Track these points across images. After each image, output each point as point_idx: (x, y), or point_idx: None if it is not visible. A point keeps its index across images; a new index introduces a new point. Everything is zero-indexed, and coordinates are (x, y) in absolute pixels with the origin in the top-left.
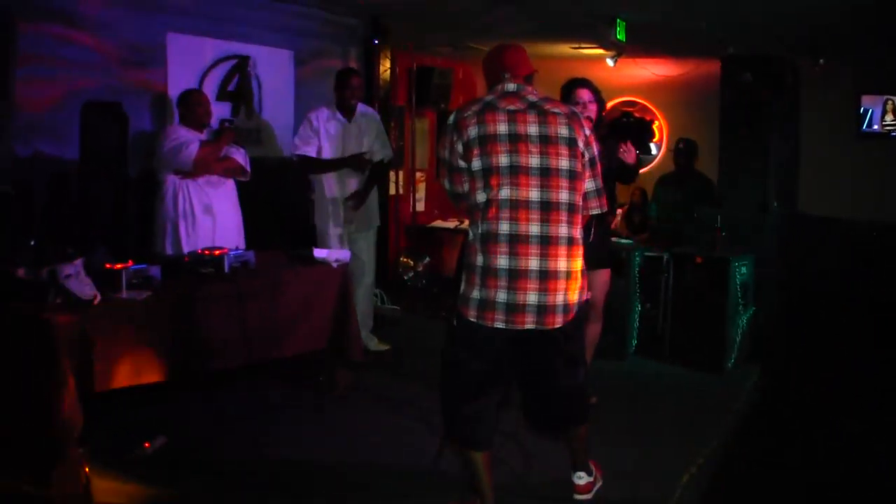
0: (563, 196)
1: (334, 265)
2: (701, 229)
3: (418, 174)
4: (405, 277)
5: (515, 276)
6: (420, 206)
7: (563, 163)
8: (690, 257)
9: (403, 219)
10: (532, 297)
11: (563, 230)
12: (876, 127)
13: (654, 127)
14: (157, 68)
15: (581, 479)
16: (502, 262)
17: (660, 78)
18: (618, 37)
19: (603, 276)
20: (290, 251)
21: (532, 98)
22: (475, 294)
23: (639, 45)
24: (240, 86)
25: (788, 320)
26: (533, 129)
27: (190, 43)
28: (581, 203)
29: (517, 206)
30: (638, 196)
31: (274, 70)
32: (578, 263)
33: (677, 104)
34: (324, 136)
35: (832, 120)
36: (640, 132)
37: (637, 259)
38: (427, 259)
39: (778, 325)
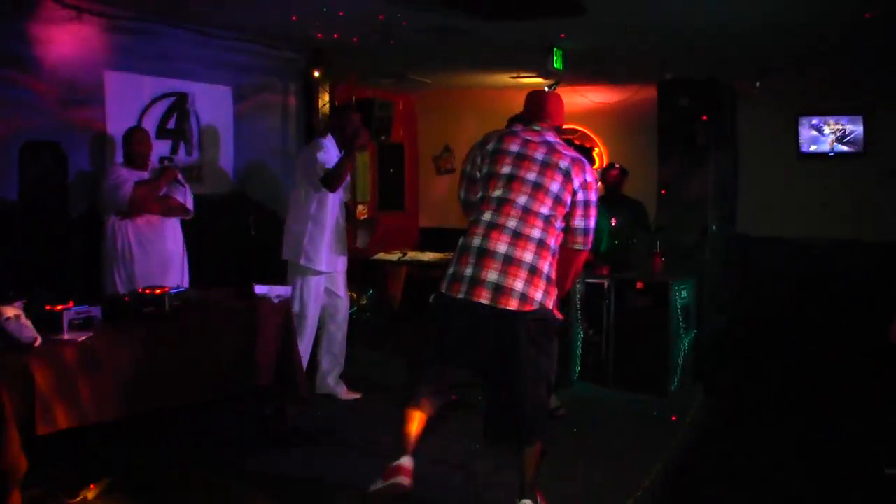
0: (544, 209)
1: (275, 301)
2: (642, 254)
3: (360, 207)
4: (350, 311)
5: (482, 255)
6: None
7: (554, 185)
8: (631, 283)
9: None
10: (492, 275)
11: (535, 232)
12: (815, 147)
13: (595, 153)
14: (95, 107)
15: None
16: (476, 241)
17: (598, 105)
18: (555, 65)
19: None
20: (231, 287)
21: (549, 138)
22: (450, 270)
23: (577, 73)
24: (179, 123)
25: (731, 341)
26: (539, 155)
27: (128, 81)
28: (559, 225)
29: (503, 204)
30: None
31: (213, 106)
32: (546, 266)
33: (616, 130)
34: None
35: (771, 141)
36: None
37: (578, 286)
38: (371, 292)
39: (720, 347)
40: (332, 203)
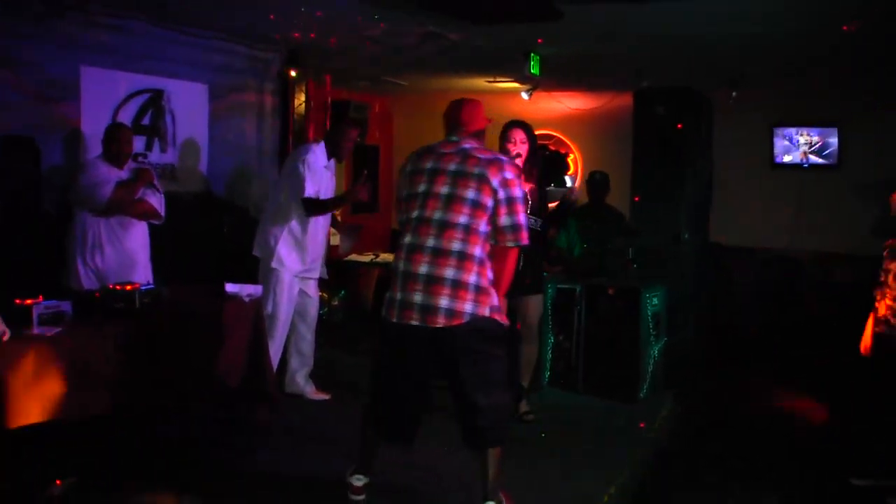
0: (462, 219)
1: (246, 300)
2: (614, 261)
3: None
4: (321, 312)
5: (406, 278)
6: (335, 241)
7: (469, 193)
8: (603, 289)
9: None
10: (417, 297)
11: (455, 245)
12: (788, 158)
13: (569, 160)
14: (70, 102)
15: None
16: (400, 265)
17: (574, 111)
18: (532, 71)
19: (535, 300)
20: (202, 286)
21: (465, 146)
22: (388, 295)
23: (553, 79)
24: (154, 120)
25: (702, 349)
26: (452, 167)
27: (104, 76)
28: (484, 229)
29: (420, 223)
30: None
31: (188, 104)
32: (472, 277)
33: (592, 137)
34: (313, 180)
35: (745, 151)
36: (554, 165)
37: (550, 291)
38: (343, 293)
39: (691, 354)
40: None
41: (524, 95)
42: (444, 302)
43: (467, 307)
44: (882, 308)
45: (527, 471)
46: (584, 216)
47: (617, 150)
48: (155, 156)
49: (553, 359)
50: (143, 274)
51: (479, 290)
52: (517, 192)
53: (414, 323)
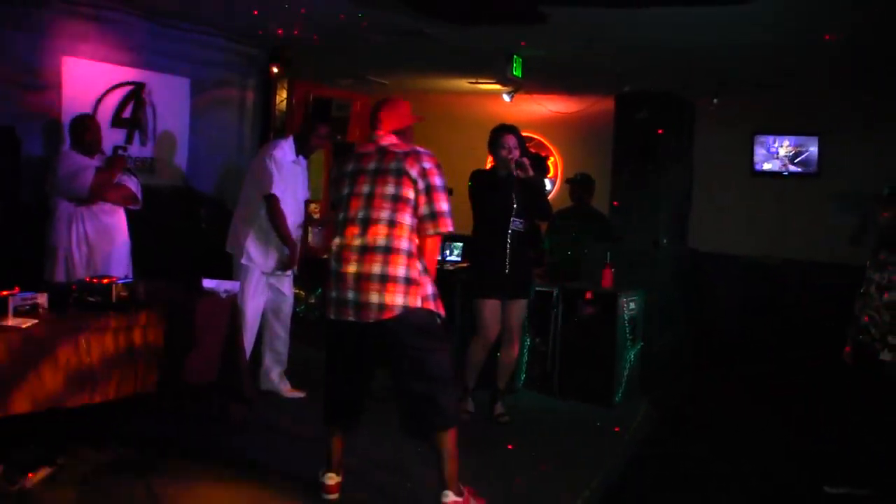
0: (384, 214)
1: (223, 295)
2: (592, 265)
3: (312, 205)
4: (297, 309)
5: (339, 277)
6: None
7: (388, 188)
8: (580, 292)
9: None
10: (350, 295)
11: (380, 241)
12: (769, 166)
13: (549, 163)
14: (52, 93)
15: (446, 496)
16: (333, 265)
17: (556, 114)
18: (514, 73)
19: (519, 305)
20: (180, 281)
21: (383, 143)
22: (325, 294)
23: (535, 82)
24: (134, 112)
25: (678, 354)
26: (371, 165)
27: (86, 68)
28: (409, 222)
29: (346, 223)
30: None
31: (170, 98)
32: (401, 270)
33: (572, 140)
34: (280, 176)
35: (726, 158)
36: (535, 168)
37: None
38: (319, 291)
39: (667, 360)
40: (289, 209)
41: (506, 97)
42: (374, 297)
43: (398, 300)
44: (863, 318)
45: (501, 473)
46: (567, 218)
47: (598, 154)
48: (135, 149)
49: (529, 362)
50: (124, 266)
51: (410, 282)
52: (437, 181)
53: (350, 319)
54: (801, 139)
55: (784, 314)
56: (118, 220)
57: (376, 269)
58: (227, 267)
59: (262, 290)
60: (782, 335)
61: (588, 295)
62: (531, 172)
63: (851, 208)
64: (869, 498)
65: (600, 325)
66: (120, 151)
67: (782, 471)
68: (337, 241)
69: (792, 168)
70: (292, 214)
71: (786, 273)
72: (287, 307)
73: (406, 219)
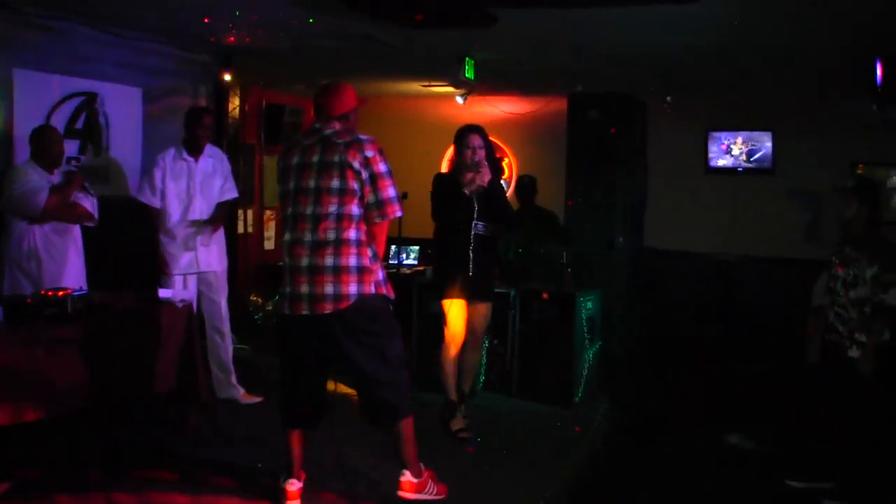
0: (332, 209)
1: (179, 305)
2: (548, 265)
3: (268, 212)
4: (255, 317)
5: (293, 272)
6: (269, 245)
7: (334, 182)
8: (537, 293)
9: (252, 257)
10: (304, 288)
11: (330, 234)
12: (723, 163)
13: (504, 164)
14: (2, 105)
15: (404, 475)
16: (286, 260)
17: (509, 115)
18: (466, 75)
19: (482, 308)
20: (135, 291)
21: (327, 132)
22: (280, 290)
23: (488, 84)
24: (87, 123)
25: (636, 353)
26: (315, 158)
27: (37, 79)
28: (356, 212)
29: (296, 219)
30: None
31: (122, 107)
32: (352, 260)
33: (527, 141)
34: (169, 177)
35: (680, 156)
36: (493, 171)
37: None
38: (276, 298)
39: (625, 358)
40: (184, 207)
41: (459, 100)
42: (328, 289)
43: (352, 289)
44: (831, 315)
45: (461, 475)
46: (518, 220)
47: (552, 154)
48: (88, 159)
49: (488, 363)
50: (77, 279)
51: (361, 270)
52: (380, 168)
53: (304, 313)
54: (755, 135)
55: (739, 311)
56: (71, 237)
57: (328, 261)
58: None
59: (188, 293)
60: (738, 332)
61: (545, 295)
62: (484, 181)
63: (806, 204)
64: (830, 491)
65: (558, 326)
66: (73, 164)
67: (743, 469)
68: (288, 236)
69: (746, 165)
70: (190, 212)
71: (741, 269)
72: (222, 313)
73: (353, 210)
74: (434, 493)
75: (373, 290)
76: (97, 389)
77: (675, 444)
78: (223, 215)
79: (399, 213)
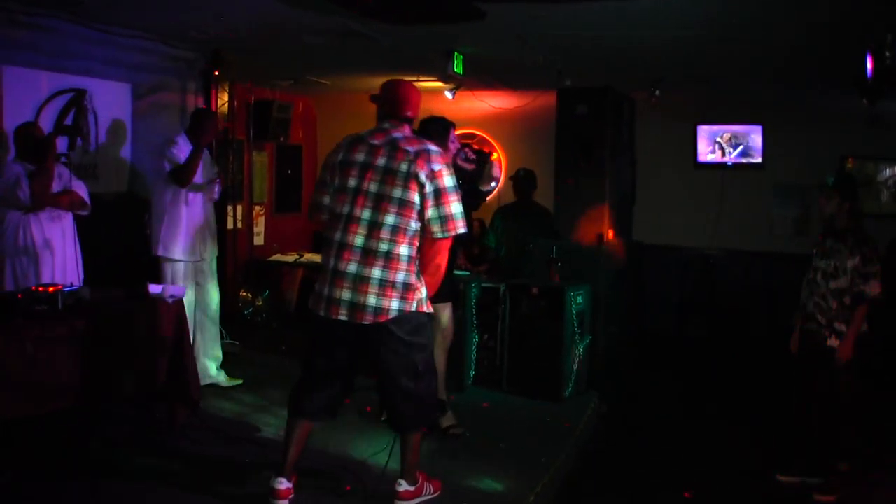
0: (389, 218)
1: (169, 300)
2: (538, 260)
3: (257, 208)
4: (244, 312)
5: (335, 275)
6: (259, 240)
7: (396, 192)
8: (526, 288)
9: (242, 253)
10: (346, 294)
11: (383, 246)
12: (712, 157)
13: (493, 159)
14: None
15: (401, 486)
16: (330, 262)
17: (498, 110)
18: (455, 70)
19: (450, 309)
20: (125, 287)
21: (396, 135)
22: (316, 288)
23: (477, 78)
24: (76, 119)
25: (626, 347)
26: (381, 161)
27: (26, 76)
28: (413, 226)
29: (350, 222)
30: (477, 227)
31: (111, 103)
32: (400, 275)
33: (515, 136)
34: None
35: (669, 150)
36: (479, 165)
37: (474, 290)
38: (266, 293)
39: (615, 353)
40: (191, 193)
41: (448, 95)
42: (371, 300)
43: (394, 304)
44: (810, 305)
45: (451, 469)
46: (509, 214)
47: (541, 148)
48: (77, 156)
49: (478, 358)
50: (73, 274)
51: (407, 288)
52: (446, 183)
53: (342, 318)
54: (745, 129)
55: (727, 305)
56: (66, 227)
57: (376, 272)
58: None
59: (186, 282)
60: (725, 327)
61: (535, 291)
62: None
63: (795, 198)
64: (819, 486)
65: (548, 321)
66: (62, 160)
67: (733, 464)
68: (338, 237)
69: (735, 159)
70: (196, 198)
71: (728, 264)
72: (213, 299)
73: (410, 223)
74: (431, 492)
75: (414, 308)
76: (86, 386)
77: (664, 439)
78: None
79: (462, 230)
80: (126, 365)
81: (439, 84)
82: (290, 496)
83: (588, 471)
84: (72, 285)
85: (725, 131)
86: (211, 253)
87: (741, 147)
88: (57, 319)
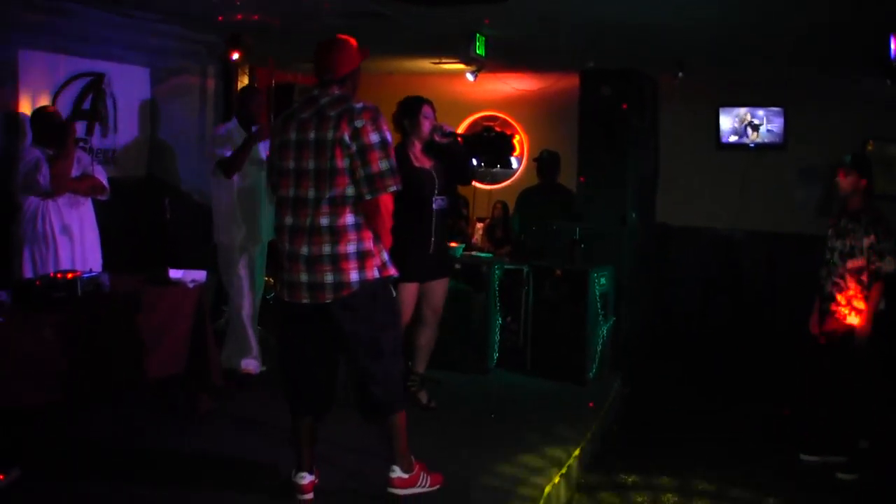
0: (328, 192)
1: (190, 285)
2: (561, 242)
3: None
4: (266, 297)
5: (291, 259)
6: None
7: (329, 163)
8: (550, 270)
9: None
10: (303, 277)
11: (325, 220)
12: (734, 139)
13: (515, 141)
14: (7, 86)
15: (394, 472)
16: (285, 246)
17: (520, 92)
18: (477, 52)
19: (442, 284)
20: (145, 272)
21: (323, 101)
22: (279, 275)
23: (499, 60)
24: (94, 103)
25: (649, 330)
26: (311, 136)
27: (43, 60)
28: (351, 192)
29: (296, 204)
30: (499, 210)
31: (130, 88)
32: (351, 246)
33: (538, 118)
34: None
35: (692, 132)
36: (500, 146)
37: (497, 272)
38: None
39: (639, 335)
40: (242, 182)
41: (469, 77)
42: (328, 278)
43: (353, 276)
44: (828, 285)
45: (477, 451)
46: (534, 196)
47: (563, 130)
48: (96, 140)
49: (501, 340)
50: (93, 260)
51: (362, 255)
52: (371, 139)
53: (304, 301)
54: (767, 111)
55: (750, 287)
56: (86, 213)
57: (326, 249)
58: (193, 256)
59: (235, 266)
60: (748, 308)
61: (558, 273)
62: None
63: (817, 179)
64: (843, 465)
65: (571, 303)
66: (80, 145)
67: (756, 445)
68: (289, 221)
69: (758, 140)
70: (250, 187)
71: (751, 245)
72: (258, 294)
73: (347, 191)
74: (427, 484)
75: (376, 274)
76: (105, 373)
77: (687, 419)
78: None
79: (393, 188)
80: (146, 352)
81: (461, 66)
82: (314, 487)
83: (613, 451)
84: (91, 271)
85: (748, 113)
86: (261, 237)
87: (764, 129)
88: (76, 306)
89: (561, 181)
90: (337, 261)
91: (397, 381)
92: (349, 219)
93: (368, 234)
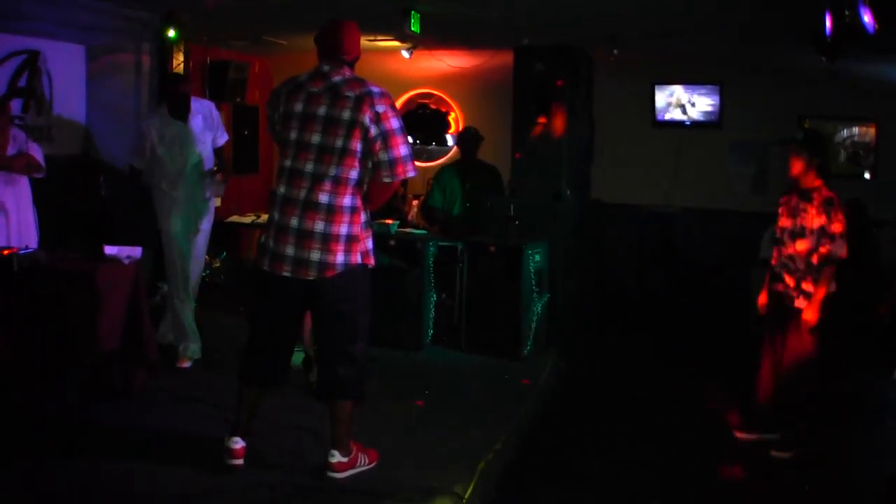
0: (332, 170)
1: (126, 262)
2: (495, 218)
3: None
4: (203, 273)
5: (279, 230)
6: (216, 202)
7: (339, 142)
8: (484, 247)
9: None
10: (289, 249)
11: (323, 198)
12: (669, 116)
13: (451, 118)
14: None
15: (333, 456)
16: (275, 216)
17: (455, 69)
18: (412, 28)
19: None
20: (81, 249)
21: (336, 79)
22: (261, 240)
23: (434, 37)
24: (30, 81)
25: (583, 306)
26: (322, 111)
27: None
28: (355, 176)
29: (293, 175)
30: (431, 187)
31: (65, 65)
32: (343, 228)
33: (473, 95)
34: (158, 143)
35: (627, 109)
36: (435, 124)
37: (431, 249)
38: (224, 255)
39: (575, 310)
40: (171, 166)
41: (405, 54)
42: (315, 255)
43: (339, 258)
44: (777, 266)
45: (409, 429)
46: (458, 173)
47: (498, 107)
48: (32, 118)
49: (436, 317)
50: (29, 236)
51: (350, 239)
52: (392, 125)
53: (286, 274)
54: (703, 88)
55: (684, 263)
56: (21, 191)
57: (318, 226)
58: (128, 233)
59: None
60: (682, 285)
61: (492, 249)
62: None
63: (752, 156)
64: (777, 443)
65: (506, 279)
66: (17, 122)
67: (692, 420)
68: (282, 191)
69: (693, 117)
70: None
71: (686, 222)
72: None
73: (352, 174)
74: (366, 462)
75: (359, 259)
76: (41, 349)
77: (623, 395)
78: (227, 164)
79: (411, 173)
80: (80, 327)
81: (396, 43)
82: (244, 454)
83: (547, 427)
84: (27, 248)
85: (683, 90)
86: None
87: (698, 106)
88: (11, 282)
89: (494, 157)
90: (327, 240)
91: (363, 369)
92: (347, 200)
93: (359, 219)
